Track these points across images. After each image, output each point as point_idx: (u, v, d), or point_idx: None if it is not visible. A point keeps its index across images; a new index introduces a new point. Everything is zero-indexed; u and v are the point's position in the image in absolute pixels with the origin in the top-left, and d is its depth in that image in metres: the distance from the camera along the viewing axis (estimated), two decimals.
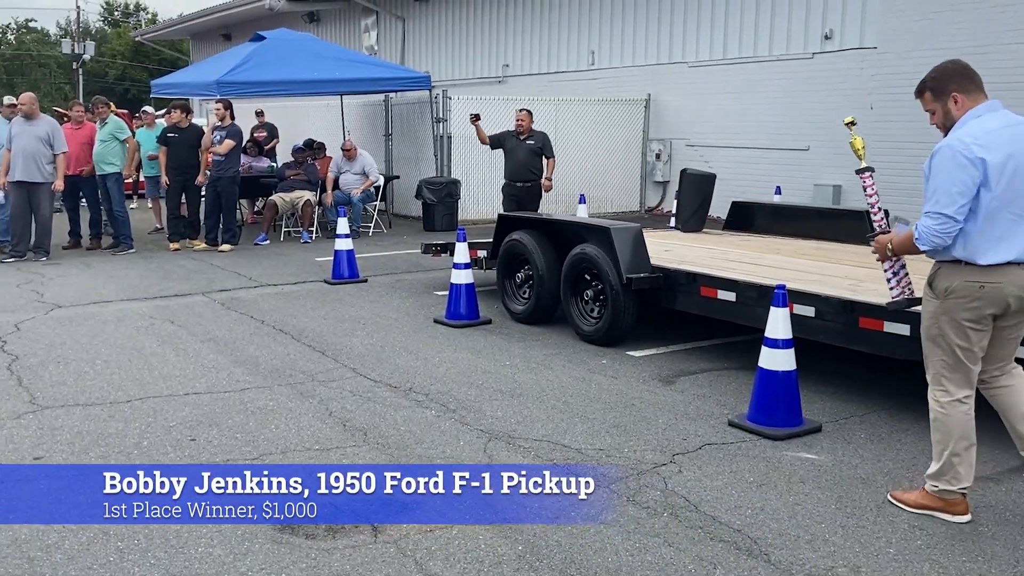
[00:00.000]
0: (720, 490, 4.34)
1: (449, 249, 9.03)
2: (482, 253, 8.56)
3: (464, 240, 7.79)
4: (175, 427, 5.25)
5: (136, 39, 46.55)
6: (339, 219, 9.91)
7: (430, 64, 21.06)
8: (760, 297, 5.97)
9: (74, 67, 53.98)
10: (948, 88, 3.87)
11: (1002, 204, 3.74)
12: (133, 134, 13.22)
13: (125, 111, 20.94)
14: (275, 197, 13.24)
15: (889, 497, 4.22)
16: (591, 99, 16.39)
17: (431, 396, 5.82)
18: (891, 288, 4.40)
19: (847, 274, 6.45)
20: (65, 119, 12.59)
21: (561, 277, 7.35)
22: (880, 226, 4.30)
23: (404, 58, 22.25)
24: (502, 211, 11.32)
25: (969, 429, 3.96)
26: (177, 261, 11.35)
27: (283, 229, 13.54)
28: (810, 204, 12.11)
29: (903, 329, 5.12)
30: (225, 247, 12.07)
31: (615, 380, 6.19)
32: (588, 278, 7.13)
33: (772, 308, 5.04)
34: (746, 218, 9.17)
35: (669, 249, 7.74)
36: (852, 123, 4.50)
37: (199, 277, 10.23)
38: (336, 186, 13.56)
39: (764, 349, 5.06)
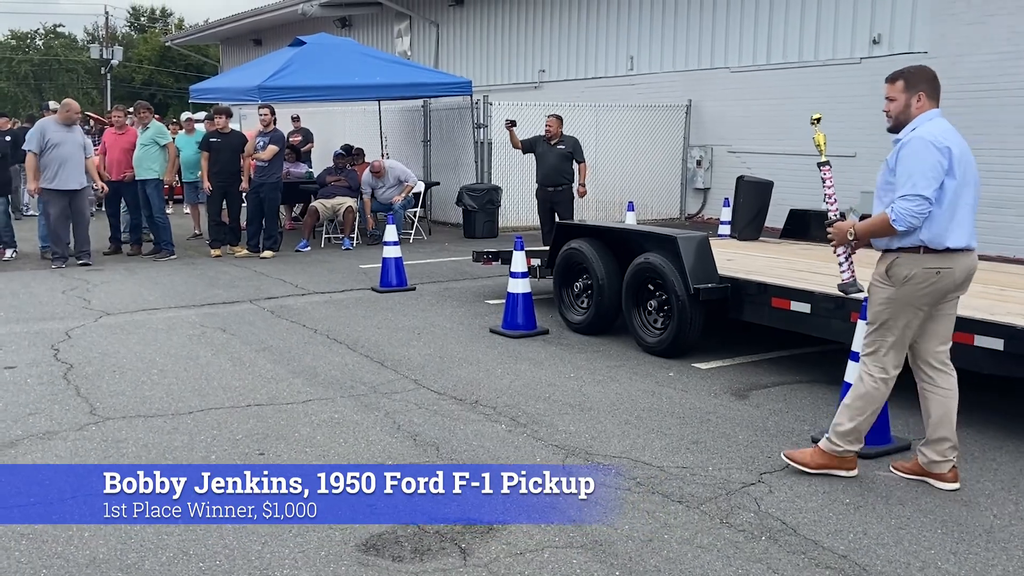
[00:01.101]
0: (816, 512, 4.16)
1: (501, 257, 8.91)
2: (535, 261, 8.40)
3: (522, 248, 7.65)
4: (242, 440, 5.13)
5: (165, 44, 46.77)
6: (388, 226, 9.77)
7: (464, 70, 20.94)
8: (837, 309, 5.79)
9: (102, 72, 54.36)
10: (920, 86, 4.27)
11: (958, 194, 4.18)
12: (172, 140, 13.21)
13: (158, 116, 20.93)
14: (316, 203, 13.15)
15: (784, 457, 4.61)
16: (631, 105, 16.22)
17: (499, 410, 5.67)
18: (843, 271, 4.61)
19: None
20: (86, 126, 12.56)
21: (623, 287, 7.18)
22: (835, 215, 4.59)
23: (438, 63, 22.14)
24: (538, 217, 11.52)
25: (884, 402, 4.50)
26: (220, 268, 11.27)
27: (324, 235, 13.45)
28: (870, 213, 11.88)
29: (995, 344, 4.94)
30: (267, 253, 11.98)
31: (686, 393, 6.02)
32: (652, 288, 6.96)
33: (860, 321, 4.85)
34: (804, 226, 8.98)
35: (731, 258, 7.56)
36: (818, 119, 4.79)
37: (245, 284, 10.13)
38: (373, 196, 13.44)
39: (851, 363, 4.87)
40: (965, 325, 5.09)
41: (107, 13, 68.00)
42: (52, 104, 12.36)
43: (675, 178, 16.47)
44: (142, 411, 5.65)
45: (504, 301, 7.84)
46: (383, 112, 16.48)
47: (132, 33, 67.96)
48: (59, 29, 68.81)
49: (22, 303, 9.00)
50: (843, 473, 4.49)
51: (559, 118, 11.08)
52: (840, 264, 4.65)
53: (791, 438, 5.14)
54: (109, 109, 13.86)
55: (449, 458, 4.84)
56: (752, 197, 9.02)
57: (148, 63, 60.50)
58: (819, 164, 4.74)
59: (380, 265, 9.89)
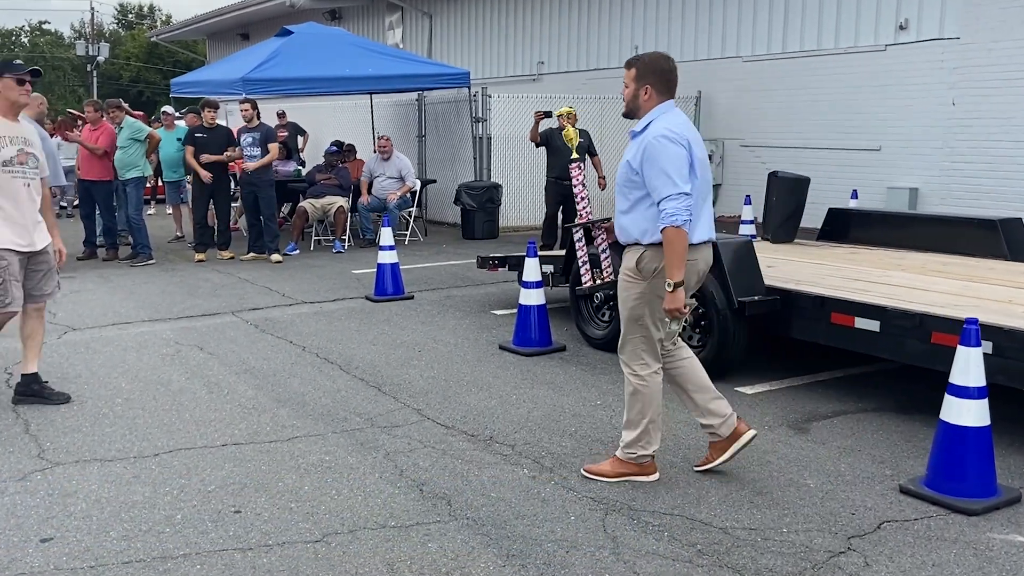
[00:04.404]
0: None
1: (508, 263, 8.07)
2: (547, 268, 7.54)
3: (535, 255, 6.79)
4: (214, 492, 4.27)
5: (151, 40, 45.74)
6: (383, 229, 8.90)
7: (459, 62, 20.04)
8: (913, 328, 4.95)
9: (88, 69, 53.33)
10: (648, 78, 4.19)
11: (701, 192, 4.16)
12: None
13: (141, 112, 20.07)
14: (305, 203, 12.26)
15: (583, 472, 4.41)
16: None
17: (518, 449, 4.82)
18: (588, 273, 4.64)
19: (1010, 297, 5.42)
20: (56, 123, 11.74)
21: None
22: (586, 212, 4.62)
23: (431, 56, 21.21)
24: (546, 210, 11.09)
25: (660, 396, 4.34)
26: (202, 274, 10.39)
27: (313, 238, 12.57)
28: (912, 211, 11.06)
29: None
30: (275, 257, 11.07)
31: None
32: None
33: (960, 347, 4.02)
34: (844, 227, 8.13)
35: (772, 265, 6.71)
36: (567, 113, 4.71)
37: (227, 293, 9.25)
38: (369, 191, 12.60)
39: (949, 399, 4.05)
40: None
41: (93, 10, 66.90)
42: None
43: None
44: (99, 454, 4.80)
45: (513, 312, 7.01)
46: (375, 106, 15.59)
47: (119, 30, 66.89)
48: (45, 26, 67.82)
49: None
50: (643, 478, 4.38)
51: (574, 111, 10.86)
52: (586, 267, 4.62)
53: (872, 486, 4.30)
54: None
55: (464, 515, 3.99)
56: (786, 195, 8.14)
57: (135, 60, 59.48)
58: (569, 161, 4.64)
59: (374, 271, 9.04)
